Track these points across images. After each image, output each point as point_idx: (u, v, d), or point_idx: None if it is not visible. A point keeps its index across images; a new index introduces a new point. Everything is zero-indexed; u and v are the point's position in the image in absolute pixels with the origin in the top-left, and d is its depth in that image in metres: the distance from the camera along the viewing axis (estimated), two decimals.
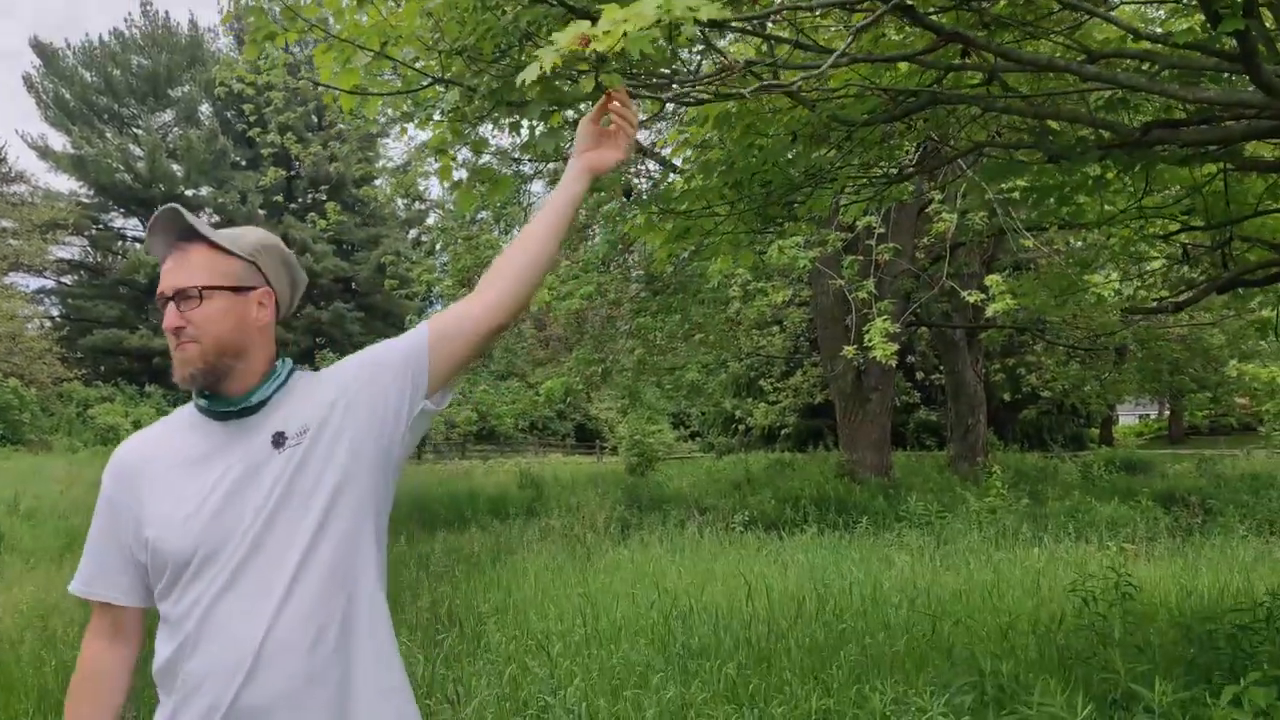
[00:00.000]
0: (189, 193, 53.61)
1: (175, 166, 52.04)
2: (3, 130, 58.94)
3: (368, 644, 1.74)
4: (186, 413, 1.84)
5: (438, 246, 19.75)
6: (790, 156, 4.40)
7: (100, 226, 54.74)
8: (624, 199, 7.95)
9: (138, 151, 51.81)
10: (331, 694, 1.68)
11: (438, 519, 12.65)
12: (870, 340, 8.95)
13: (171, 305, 1.74)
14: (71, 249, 53.26)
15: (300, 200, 53.71)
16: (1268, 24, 2.88)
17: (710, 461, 24.63)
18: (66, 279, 54.04)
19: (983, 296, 8.85)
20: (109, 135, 52.08)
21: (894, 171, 5.21)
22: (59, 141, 52.83)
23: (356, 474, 1.78)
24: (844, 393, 15.32)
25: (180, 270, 1.75)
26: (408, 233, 55.76)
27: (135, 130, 53.18)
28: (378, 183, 23.11)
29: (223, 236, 1.79)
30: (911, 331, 17.39)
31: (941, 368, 19.87)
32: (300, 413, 1.78)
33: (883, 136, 4.57)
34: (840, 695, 4.04)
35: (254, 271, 1.82)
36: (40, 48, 52.37)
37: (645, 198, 6.03)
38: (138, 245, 52.58)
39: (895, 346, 9.16)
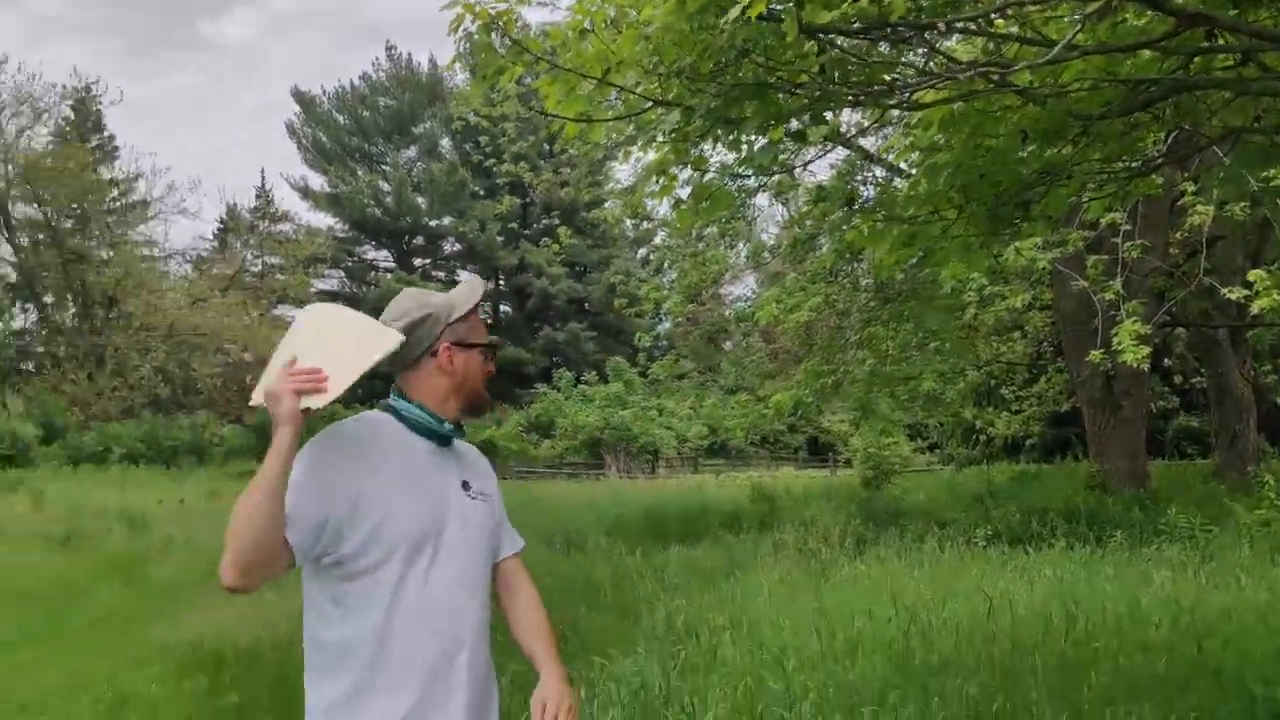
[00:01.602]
0: (433, 223, 56.76)
1: (420, 199, 55.21)
2: (270, 175, 65.71)
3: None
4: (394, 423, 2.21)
5: (665, 265, 20.06)
6: (1022, 156, 4.23)
7: (355, 259, 58.72)
8: (846, 208, 7.82)
9: (386, 187, 55.32)
10: None
11: (671, 533, 12.81)
12: (1119, 344, 8.46)
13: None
14: (330, 281, 57.39)
15: (535, 226, 55.80)
16: None
17: (950, 474, 23.84)
18: None
19: (1246, 293, 8.21)
20: (360, 173, 55.85)
21: (1138, 164, 4.92)
22: (317, 181, 57.16)
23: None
24: (1093, 400, 14.51)
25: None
26: (637, 252, 56.92)
27: (383, 167, 56.81)
28: (607, 205, 23.72)
29: None
30: (1166, 333, 16.28)
31: (1203, 370, 18.48)
32: (477, 474, 2.29)
33: (1124, 128, 4.32)
34: (1092, 717, 3.83)
35: None
36: (299, 96, 56.83)
37: (869, 205, 5.92)
38: (389, 275, 56.00)
39: (1147, 350, 8.62)
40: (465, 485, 2.20)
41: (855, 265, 13.41)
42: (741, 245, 15.57)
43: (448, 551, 2.09)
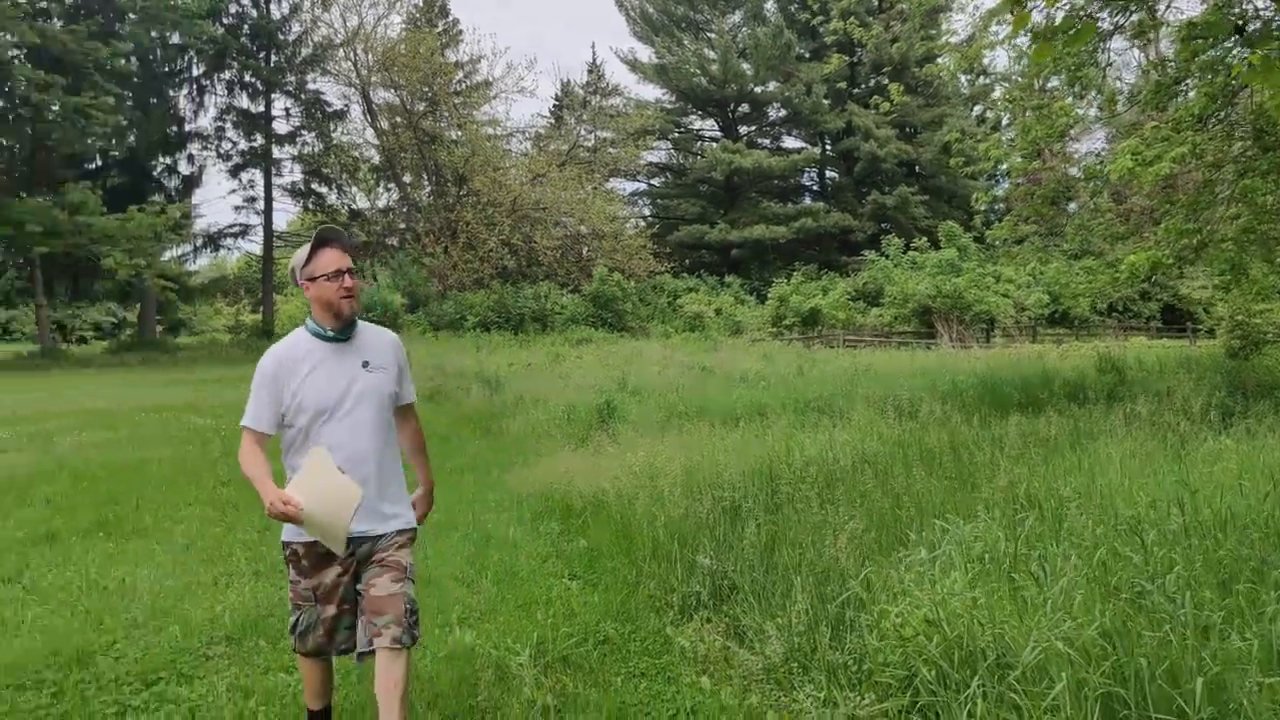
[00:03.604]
0: (757, 90, 56.23)
1: (745, 65, 54.71)
2: (600, 49, 67.56)
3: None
4: (306, 334, 3.43)
5: (1004, 120, 18.84)
6: None
7: (681, 130, 59.47)
8: (1236, 36, 6.90)
9: (711, 55, 55.23)
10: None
11: (1010, 401, 12.29)
12: None
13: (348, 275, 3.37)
14: (658, 153, 58.54)
15: (862, 85, 54.05)
16: None
17: None
18: (655, 181, 59.58)
19: None
20: (686, 42, 56.01)
21: None
22: (645, 53, 57.99)
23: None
24: None
25: (348, 258, 3.40)
26: (970, 110, 53.90)
27: (708, 35, 56.64)
28: (940, 60, 22.44)
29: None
30: None
31: None
32: (375, 354, 3.46)
33: None
34: None
35: None
36: None
37: (1257, 35, 5.16)
38: (714, 145, 56.31)
39: None
40: (365, 364, 3.39)
41: (1229, 110, 11.99)
42: (1093, 95, 14.28)
43: (347, 410, 3.31)
